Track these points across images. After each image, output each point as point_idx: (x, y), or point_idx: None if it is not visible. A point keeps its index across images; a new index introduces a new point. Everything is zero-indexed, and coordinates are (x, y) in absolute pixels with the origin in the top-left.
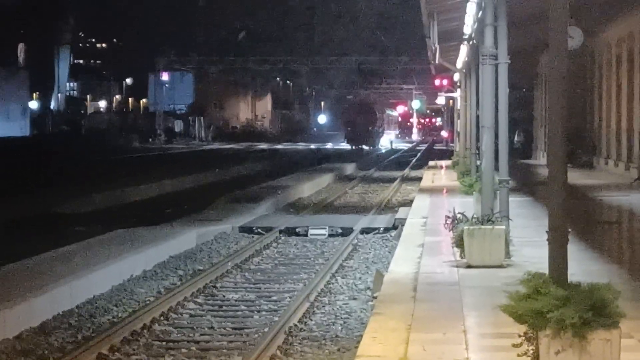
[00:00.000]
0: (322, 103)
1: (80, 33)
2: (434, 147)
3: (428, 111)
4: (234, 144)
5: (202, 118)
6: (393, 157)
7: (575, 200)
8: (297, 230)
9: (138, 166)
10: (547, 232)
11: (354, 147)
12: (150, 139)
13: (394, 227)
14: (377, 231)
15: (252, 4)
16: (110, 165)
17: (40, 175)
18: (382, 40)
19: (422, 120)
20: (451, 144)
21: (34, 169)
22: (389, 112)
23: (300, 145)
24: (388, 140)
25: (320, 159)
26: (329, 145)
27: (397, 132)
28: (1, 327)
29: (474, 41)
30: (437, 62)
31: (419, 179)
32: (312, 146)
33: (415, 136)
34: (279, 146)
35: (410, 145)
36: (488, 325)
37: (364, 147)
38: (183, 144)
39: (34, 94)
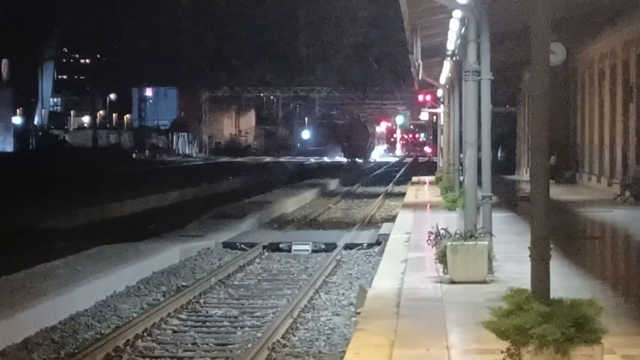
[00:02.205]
0: (306, 119)
1: (64, 49)
2: (418, 160)
3: (412, 127)
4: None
5: (186, 134)
6: (377, 172)
7: (558, 216)
8: (280, 245)
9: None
10: (529, 248)
11: (349, 160)
12: (134, 155)
13: (378, 243)
14: (360, 247)
15: (236, 21)
16: (95, 180)
17: (24, 190)
18: (365, 56)
19: (406, 136)
20: (434, 158)
21: (17, 184)
22: (378, 129)
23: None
24: (377, 154)
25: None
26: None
27: (386, 147)
28: None
29: (457, 57)
30: (420, 78)
31: (403, 194)
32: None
33: (398, 151)
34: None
35: (394, 160)
36: (471, 341)
37: (358, 160)
38: (170, 157)
39: (18, 110)
